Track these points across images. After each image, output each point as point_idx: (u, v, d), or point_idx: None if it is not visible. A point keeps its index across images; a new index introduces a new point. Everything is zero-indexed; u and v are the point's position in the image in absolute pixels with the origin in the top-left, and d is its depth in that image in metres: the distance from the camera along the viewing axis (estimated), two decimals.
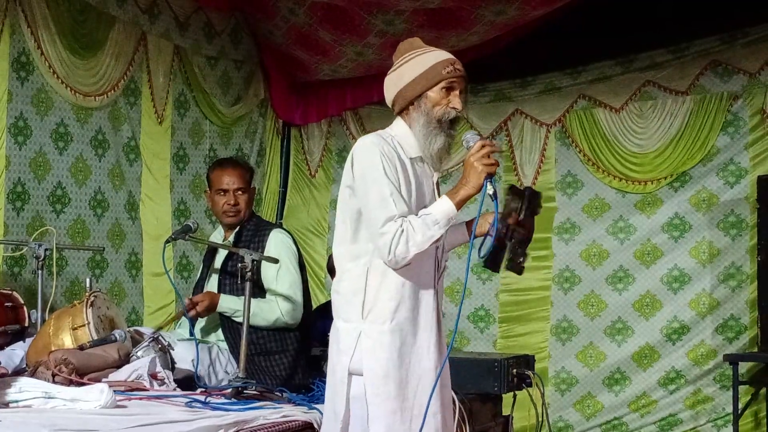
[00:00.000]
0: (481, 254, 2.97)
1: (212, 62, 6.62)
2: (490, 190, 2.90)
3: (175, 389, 3.95)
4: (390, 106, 3.15)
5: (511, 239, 3.02)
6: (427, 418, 2.93)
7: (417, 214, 2.93)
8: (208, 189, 4.56)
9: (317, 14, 6.29)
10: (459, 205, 2.92)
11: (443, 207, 2.92)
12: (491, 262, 3.00)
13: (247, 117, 6.99)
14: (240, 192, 4.43)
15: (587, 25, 6.22)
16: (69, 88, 5.43)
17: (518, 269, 3.05)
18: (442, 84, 3.02)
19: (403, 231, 2.87)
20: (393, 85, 3.11)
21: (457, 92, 3.04)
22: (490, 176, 2.91)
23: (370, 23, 6.24)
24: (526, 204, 3.06)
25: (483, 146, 2.92)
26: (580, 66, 6.75)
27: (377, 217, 2.89)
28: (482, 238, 3.03)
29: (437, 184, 3.13)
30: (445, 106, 3.03)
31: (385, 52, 6.50)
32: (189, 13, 6.36)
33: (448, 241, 3.16)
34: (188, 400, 3.69)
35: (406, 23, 6.17)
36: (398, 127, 3.10)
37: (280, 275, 4.29)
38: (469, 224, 3.18)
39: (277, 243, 4.34)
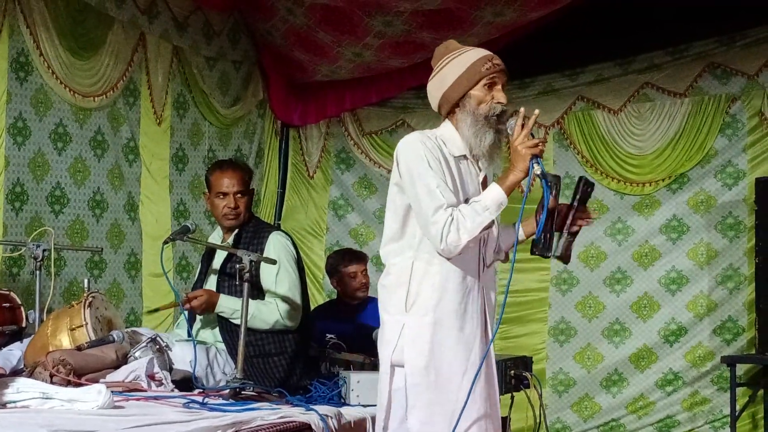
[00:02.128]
0: (535, 239, 3.00)
1: (211, 63, 6.63)
2: (537, 170, 2.94)
3: (172, 390, 3.96)
4: (436, 110, 3.20)
5: (570, 228, 3.08)
6: (475, 421, 2.95)
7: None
8: (207, 191, 4.54)
9: (316, 15, 6.29)
10: (508, 191, 2.98)
11: (492, 193, 2.98)
12: (543, 248, 3.02)
13: (246, 118, 6.99)
14: (240, 195, 4.40)
15: (586, 27, 6.22)
16: (68, 89, 5.43)
17: (567, 258, 3.11)
18: (484, 81, 3.08)
19: (453, 219, 2.91)
20: (436, 89, 3.16)
21: (499, 86, 3.10)
22: (535, 157, 2.96)
23: (368, 24, 6.24)
24: (579, 193, 3.13)
25: (522, 127, 2.98)
26: (579, 67, 6.75)
27: (426, 208, 2.94)
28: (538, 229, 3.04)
29: (483, 183, 3.15)
30: (490, 102, 3.07)
31: (384, 53, 6.51)
32: (188, 13, 6.36)
33: (503, 242, 3.22)
34: (186, 401, 3.69)
35: (405, 24, 6.17)
36: (444, 127, 3.15)
37: (280, 277, 4.28)
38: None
39: (276, 245, 4.33)
